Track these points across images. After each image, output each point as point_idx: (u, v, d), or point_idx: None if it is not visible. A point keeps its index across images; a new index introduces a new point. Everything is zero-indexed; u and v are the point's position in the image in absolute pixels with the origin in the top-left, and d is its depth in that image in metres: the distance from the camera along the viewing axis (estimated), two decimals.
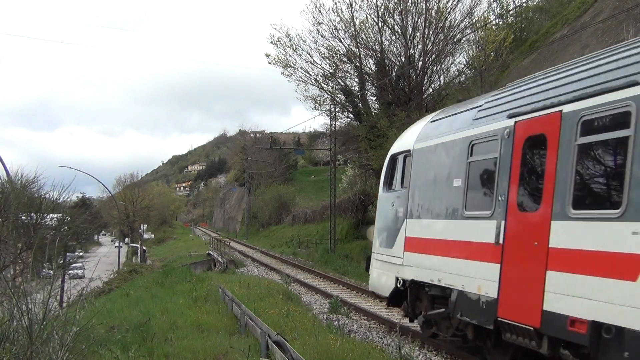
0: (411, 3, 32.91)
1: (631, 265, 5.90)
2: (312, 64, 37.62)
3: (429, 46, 33.42)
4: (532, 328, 7.21)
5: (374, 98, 37.95)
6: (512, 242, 7.85)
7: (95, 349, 7.51)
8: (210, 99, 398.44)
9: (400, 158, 11.63)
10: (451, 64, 35.65)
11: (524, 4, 35.05)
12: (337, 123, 40.65)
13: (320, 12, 35.57)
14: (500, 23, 33.73)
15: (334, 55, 36.94)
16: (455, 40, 33.40)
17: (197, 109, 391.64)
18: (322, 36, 36.27)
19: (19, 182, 10.34)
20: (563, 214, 6.91)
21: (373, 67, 36.98)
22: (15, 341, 5.16)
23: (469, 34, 32.99)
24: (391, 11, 33.69)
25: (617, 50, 7.04)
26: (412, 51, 34.12)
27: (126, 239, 77.54)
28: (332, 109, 38.80)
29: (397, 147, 12.18)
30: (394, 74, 34.90)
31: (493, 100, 9.05)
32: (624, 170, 6.14)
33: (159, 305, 12.85)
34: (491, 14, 35.10)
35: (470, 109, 9.58)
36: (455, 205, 9.19)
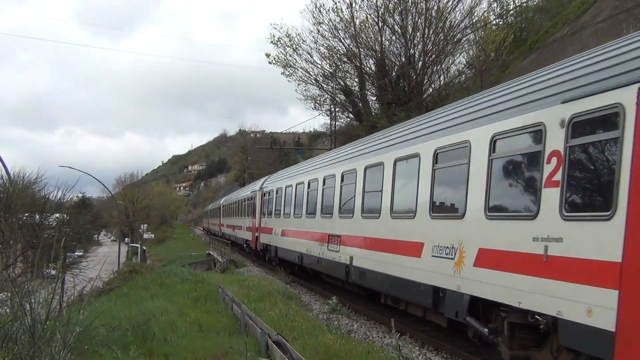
0: (411, 3, 32.92)
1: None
2: (312, 63, 37.67)
3: (429, 46, 33.44)
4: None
5: (374, 98, 37.99)
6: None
7: (96, 349, 7.52)
8: (206, 98, 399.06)
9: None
10: (451, 64, 35.70)
11: (524, 4, 35.03)
12: (337, 123, 40.69)
13: (320, 12, 35.64)
14: (500, 23, 33.70)
15: (334, 55, 36.97)
16: (455, 40, 33.41)
17: (193, 109, 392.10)
18: (322, 36, 36.33)
19: (21, 182, 10.33)
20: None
21: (373, 67, 37.00)
22: (17, 341, 5.13)
23: (469, 34, 33.01)
24: (391, 11, 33.70)
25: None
26: (412, 51, 34.13)
27: (126, 239, 77.42)
28: (332, 109, 38.77)
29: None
30: (394, 74, 34.91)
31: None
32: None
33: (159, 305, 12.83)
34: (491, 14, 35.13)
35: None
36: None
